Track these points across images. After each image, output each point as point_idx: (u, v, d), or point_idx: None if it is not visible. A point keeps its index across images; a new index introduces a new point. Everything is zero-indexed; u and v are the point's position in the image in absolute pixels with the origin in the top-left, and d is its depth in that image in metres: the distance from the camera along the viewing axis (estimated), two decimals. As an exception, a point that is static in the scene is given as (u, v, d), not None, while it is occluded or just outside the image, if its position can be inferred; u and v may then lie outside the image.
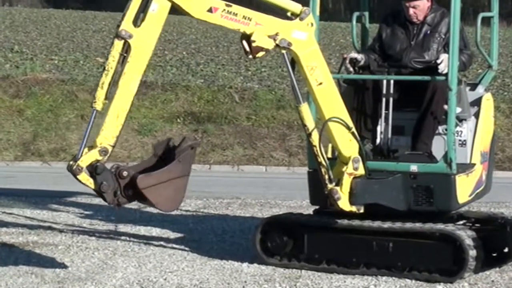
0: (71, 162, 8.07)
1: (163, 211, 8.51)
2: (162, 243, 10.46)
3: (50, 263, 9.47)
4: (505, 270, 9.23)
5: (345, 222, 9.13)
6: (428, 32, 9.47)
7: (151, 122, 17.97)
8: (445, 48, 9.20)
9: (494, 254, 9.27)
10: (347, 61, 9.44)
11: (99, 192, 8.15)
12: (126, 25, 8.18)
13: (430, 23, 9.49)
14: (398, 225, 9.06)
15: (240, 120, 18.34)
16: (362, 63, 9.50)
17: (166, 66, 22.96)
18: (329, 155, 9.09)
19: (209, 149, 17.32)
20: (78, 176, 8.07)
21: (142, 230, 11.10)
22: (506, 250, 9.30)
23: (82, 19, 39.37)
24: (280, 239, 9.41)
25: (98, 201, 12.76)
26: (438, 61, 9.20)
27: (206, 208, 12.62)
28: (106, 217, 11.77)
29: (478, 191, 9.52)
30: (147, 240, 10.58)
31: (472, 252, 8.81)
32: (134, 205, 12.57)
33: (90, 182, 8.08)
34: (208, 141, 17.54)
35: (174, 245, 10.34)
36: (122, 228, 11.21)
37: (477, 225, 9.37)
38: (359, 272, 9.06)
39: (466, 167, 9.27)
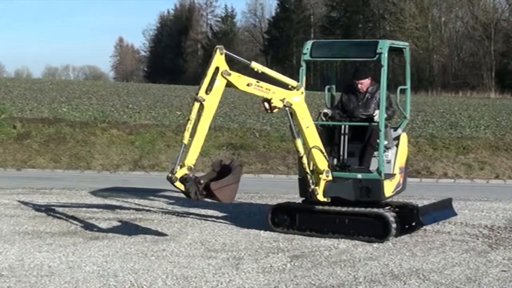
0: (169, 175, 7.92)
1: (224, 203, 8.37)
2: (213, 219, 10.47)
3: (148, 230, 9.51)
4: (413, 235, 9.29)
5: (319, 207, 9.16)
6: (369, 97, 9.50)
7: (208, 148, 17.94)
8: (378, 106, 9.21)
9: (407, 226, 9.30)
10: (322, 114, 9.50)
11: (186, 193, 8.01)
12: (202, 93, 8.07)
13: (370, 92, 9.52)
14: (350, 209, 9.10)
15: (259, 148, 18.33)
16: (330, 115, 9.54)
17: (216, 117, 22.85)
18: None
19: (241, 164, 17.33)
20: (175, 184, 7.95)
21: (202, 211, 11.07)
22: (413, 224, 9.33)
23: (167, 89, 39.43)
24: (282, 217, 9.43)
25: (177, 194, 12.84)
26: (374, 114, 9.27)
27: (239, 199, 12.51)
28: (182, 204, 11.71)
29: (397, 189, 9.56)
30: (205, 217, 10.57)
31: (394, 225, 8.90)
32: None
33: (181, 187, 7.96)
34: (241, 160, 17.51)
35: (221, 220, 10.35)
36: (191, 210, 11.19)
37: (396, 209, 9.38)
38: (328, 236, 9.08)
39: (390, 176, 9.31)
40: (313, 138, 8.73)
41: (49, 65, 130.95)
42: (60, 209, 10.99)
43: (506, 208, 11.71)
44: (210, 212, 11.01)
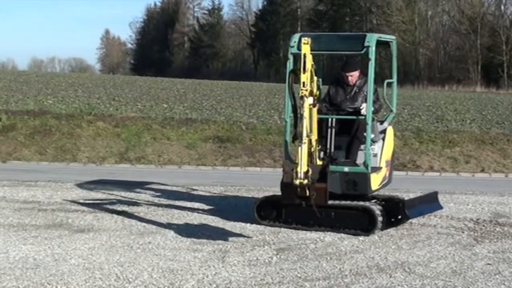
0: (298, 181, 7.53)
1: (323, 204, 7.93)
2: (200, 212, 10.40)
3: (134, 222, 9.47)
4: (399, 228, 9.29)
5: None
6: (357, 91, 9.49)
7: (194, 141, 17.91)
8: (366, 100, 9.20)
9: (392, 220, 9.29)
10: (309, 108, 9.45)
11: (306, 199, 7.61)
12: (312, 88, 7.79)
13: (358, 86, 9.50)
14: (337, 202, 9.06)
15: (246, 141, 18.28)
16: (317, 108, 9.51)
17: (203, 109, 22.96)
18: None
19: (227, 157, 17.25)
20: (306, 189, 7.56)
21: (189, 204, 11.01)
22: (399, 217, 9.32)
23: (154, 82, 39.32)
24: (268, 210, 9.39)
25: (163, 187, 12.86)
26: (361, 108, 9.26)
27: (226, 192, 12.57)
28: (168, 197, 11.65)
29: (384, 183, 9.54)
30: (191, 210, 10.50)
31: (380, 218, 8.88)
32: (183, 188, 12.68)
33: (307, 193, 7.62)
34: (227, 153, 17.47)
35: (207, 213, 10.28)
36: (177, 203, 11.11)
37: (382, 202, 9.38)
38: (314, 229, 9.04)
39: (376, 169, 9.30)
40: (316, 132, 8.60)
41: (35, 57, 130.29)
42: (46, 202, 10.92)
43: (491, 201, 11.77)
44: (196, 205, 10.96)
